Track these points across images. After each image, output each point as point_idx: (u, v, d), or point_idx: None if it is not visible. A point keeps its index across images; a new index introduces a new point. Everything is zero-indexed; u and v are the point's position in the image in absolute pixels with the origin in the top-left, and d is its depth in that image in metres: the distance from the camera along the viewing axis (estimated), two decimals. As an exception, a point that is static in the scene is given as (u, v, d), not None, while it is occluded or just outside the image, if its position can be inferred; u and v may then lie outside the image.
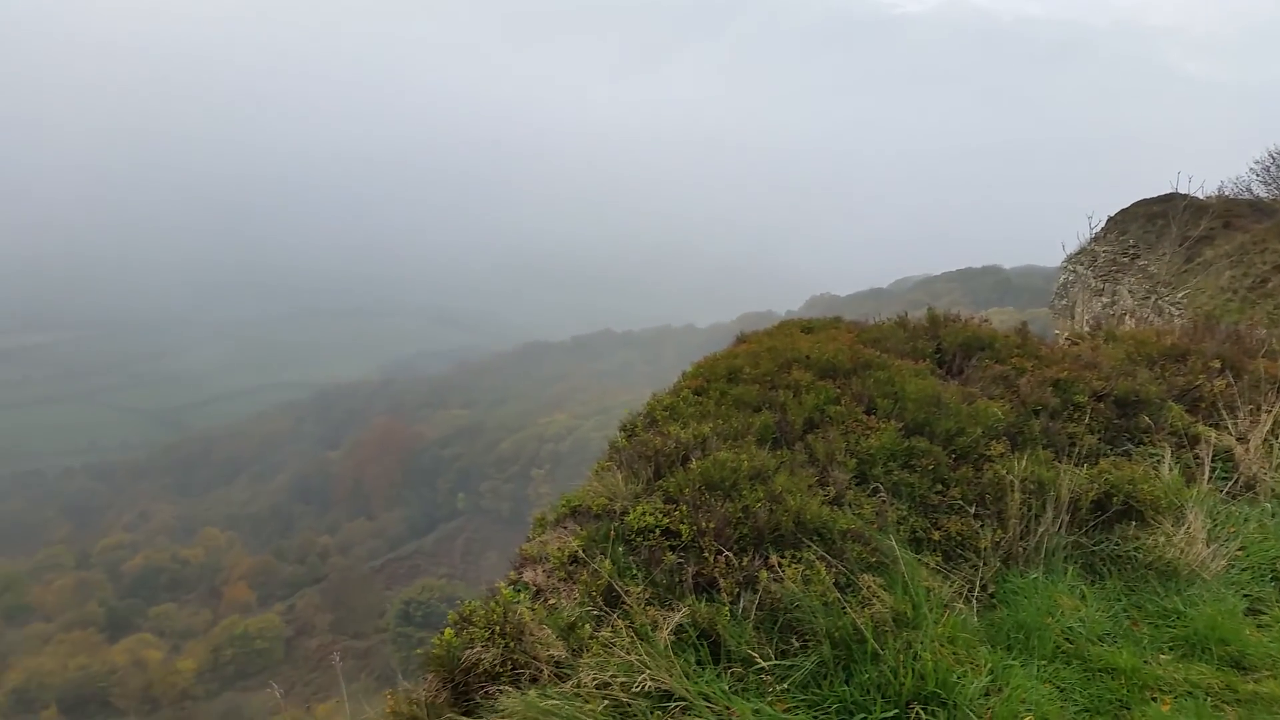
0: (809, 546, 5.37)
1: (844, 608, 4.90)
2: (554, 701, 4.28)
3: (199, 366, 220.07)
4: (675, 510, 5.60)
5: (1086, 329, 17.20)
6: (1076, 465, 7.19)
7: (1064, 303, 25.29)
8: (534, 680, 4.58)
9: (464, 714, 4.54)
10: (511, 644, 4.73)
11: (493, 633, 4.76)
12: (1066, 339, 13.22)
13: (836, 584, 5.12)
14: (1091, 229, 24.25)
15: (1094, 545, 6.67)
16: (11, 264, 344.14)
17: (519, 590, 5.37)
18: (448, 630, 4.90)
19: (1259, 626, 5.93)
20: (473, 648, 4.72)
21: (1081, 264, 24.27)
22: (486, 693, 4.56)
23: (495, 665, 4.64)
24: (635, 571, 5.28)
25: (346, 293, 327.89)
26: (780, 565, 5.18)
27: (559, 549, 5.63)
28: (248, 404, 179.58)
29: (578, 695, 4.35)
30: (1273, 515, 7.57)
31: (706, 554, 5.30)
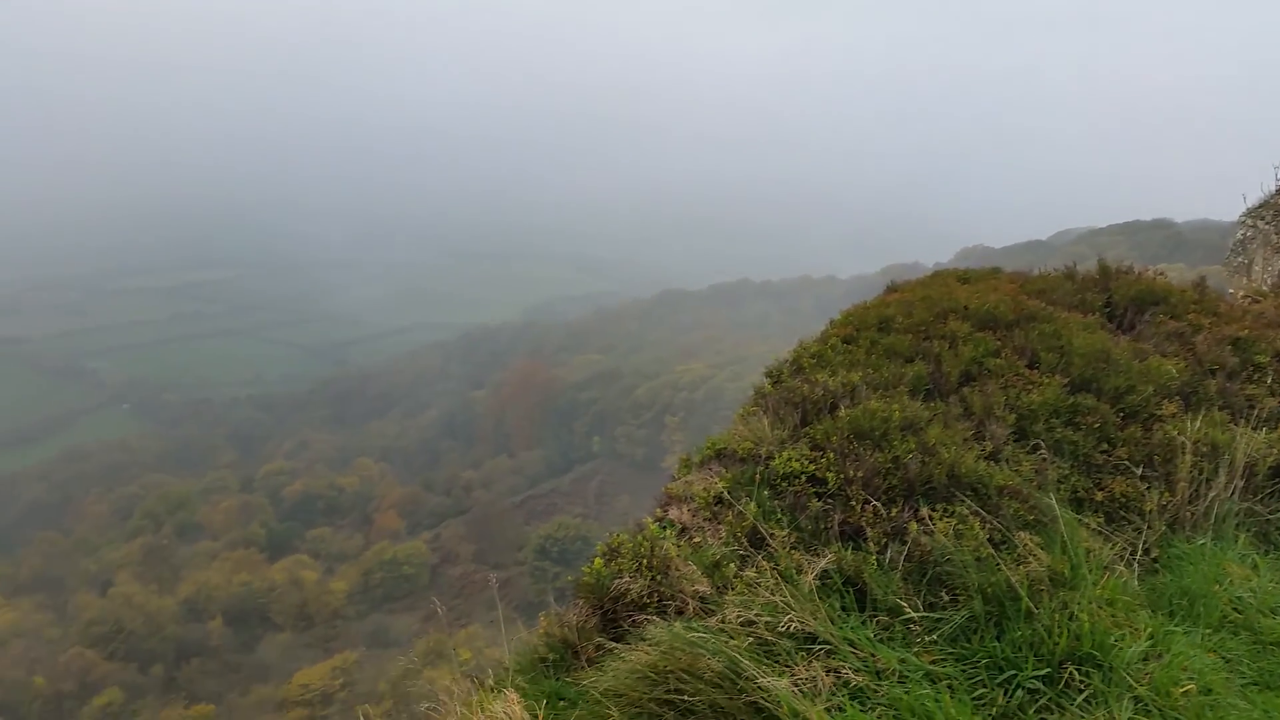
0: (962, 501, 5.27)
1: (998, 564, 4.79)
2: (700, 634, 4.38)
3: (356, 306, 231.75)
4: (822, 457, 5.58)
5: (1266, 288, 15.90)
6: (1254, 429, 6.74)
7: (1240, 260, 23.35)
8: (679, 613, 4.70)
9: (612, 639, 4.72)
10: (658, 577, 4.87)
11: (640, 565, 4.91)
12: (1244, 297, 12.29)
13: (991, 540, 5.01)
14: (1277, 180, 22.22)
15: (1270, 513, 6.28)
16: (187, 205, 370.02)
17: (665, 527, 5.50)
18: (597, 560, 5.08)
19: None
20: (621, 578, 4.89)
21: (1263, 219, 22.30)
22: (634, 621, 4.72)
23: (642, 596, 4.80)
24: (780, 515, 5.32)
25: (493, 239, 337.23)
26: (931, 518, 5.10)
27: (704, 489, 5.72)
28: (400, 343, 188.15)
29: (723, 630, 4.44)
30: None
31: (854, 502, 5.27)
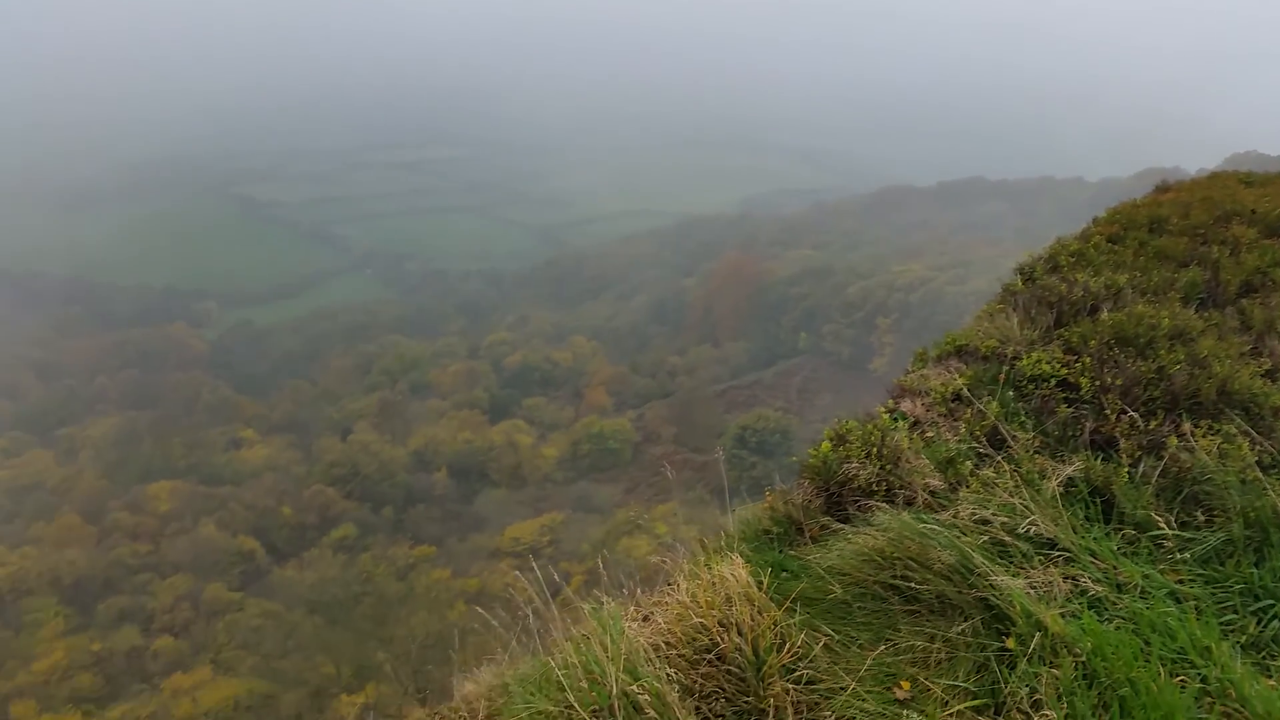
0: (1231, 419, 4.89)
1: (1265, 488, 4.46)
2: (931, 526, 4.35)
3: (577, 189, 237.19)
4: (1076, 362, 5.31)
5: None
6: None
7: None
8: (909, 503, 4.69)
9: (837, 521, 4.78)
10: (888, 466, 4.86)
11: (869, 453, 4.92)
12: None
13: (1259, 463, 4.66)
14: None
15: None
16: (423, 83, 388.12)
17: (896, 419, 5.44)
18: (825, 444, 5.12)
19: None
20: (849, 463, 4.91)
21: None
22: (860, 506, 4.75)
23: (870, 483, 4.81)
24: (1024, 418, 5.14)
25: (716, 128, 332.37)
26: (1194, 434, 4.77)
27: (941, 385, 5.59)
28: (616, 227, 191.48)
29: (955, 525, 4.39)
30: None
31: (1108, 411, 5.00)
